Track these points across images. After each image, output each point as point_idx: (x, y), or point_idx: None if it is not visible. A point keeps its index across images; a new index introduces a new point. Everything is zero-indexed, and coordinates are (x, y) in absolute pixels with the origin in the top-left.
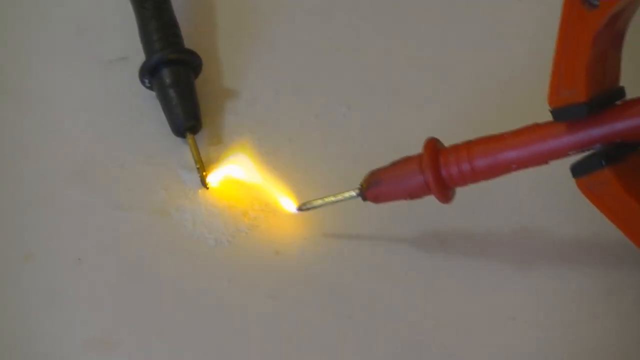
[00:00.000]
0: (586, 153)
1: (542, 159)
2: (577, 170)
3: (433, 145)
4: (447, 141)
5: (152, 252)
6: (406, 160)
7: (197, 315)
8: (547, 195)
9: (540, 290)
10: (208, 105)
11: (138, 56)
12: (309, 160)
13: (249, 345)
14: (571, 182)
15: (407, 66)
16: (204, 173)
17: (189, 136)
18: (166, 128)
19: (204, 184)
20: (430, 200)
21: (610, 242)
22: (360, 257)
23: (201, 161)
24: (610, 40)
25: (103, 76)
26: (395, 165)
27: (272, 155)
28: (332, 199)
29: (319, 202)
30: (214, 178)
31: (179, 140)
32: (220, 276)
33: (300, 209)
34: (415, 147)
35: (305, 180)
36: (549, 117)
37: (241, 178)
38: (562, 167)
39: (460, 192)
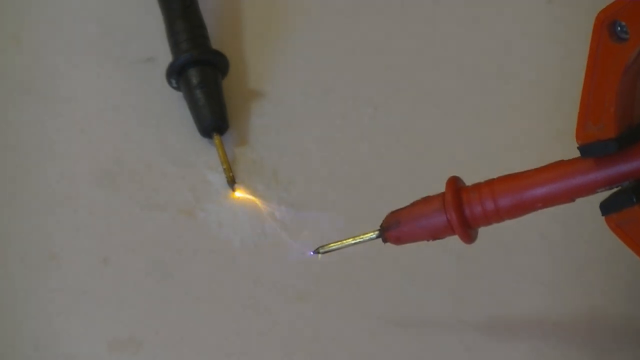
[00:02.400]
0: (614, 189)
1: (569, 196)
2: (607, 208)
3: (454, 184)
4: (471, 144)
5: (177, 253)
6: (427, 200)
7: (222, 316)
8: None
9: (568, 293)
10: (235, 106)
11: (165, 57)
12: (335, 162)
13: (275, 347)
14: None
15: (433, 67)
16: (230, 174)
17: (216, 137)
18: (193, 129)
19: (230, 184)
20: None
21: None
22: (387, 259)
23: (227, 162)
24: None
25: (130, 77)
26: (416, 205)
27: (299, 157)
28: (351, 241)
29: (337, 245)
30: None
31: (205, 140)
32: (246, 277)
33: (317, 252)
34: (440, 150)
35: (332, 181)
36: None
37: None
38: None
39: None
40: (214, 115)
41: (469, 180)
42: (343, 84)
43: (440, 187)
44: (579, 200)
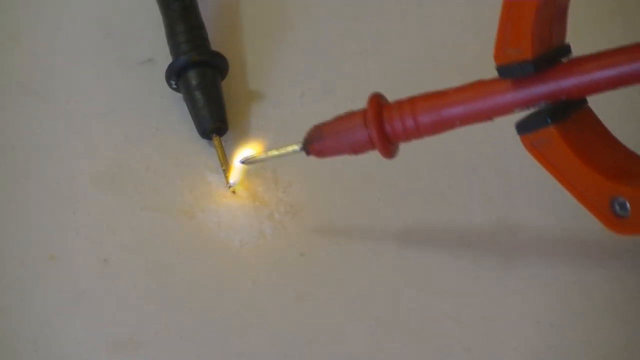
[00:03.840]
0: (531, 110)
1: (486, 115)
2: (522, 128)
3: (377, 100)
4: (472, 145)
5: (177, 253)
6: (350, 115)
7: (222, 316)
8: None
9: (566, 294)
10: (234, 107)
11: (165, 58)
12: (335, 163)
13: (274, 347)
14: None
15: (432, 69)
16: (230, 175)
17: (215, 138)
18: (192, 130)
19: (229, 185)
20: (458, 201)
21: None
22: (385, 259)
23: (227, 163)
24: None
25: (129, 78)
26: (338, 119)
27: (298, 158)
28: (275, 152)
29: (262, 155)
30: (235, 178)
31: (205, 142)
32: (245, 277)
33: (243, 162)
34: (440, 152)
35: (331, 182)
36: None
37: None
38: None
39: (489, 197)
40: (214, 117)
41: None
42: (342, 85)
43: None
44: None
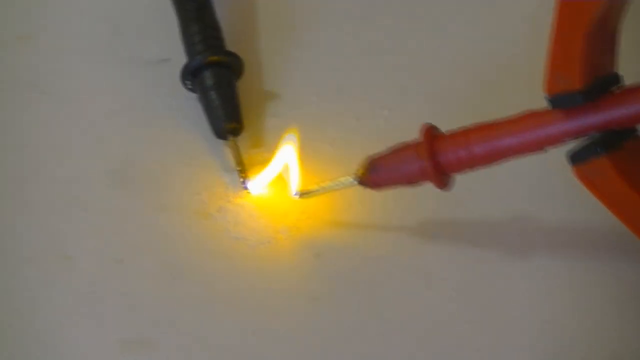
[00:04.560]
0: (583, 140)
1: (539, 145)
2: (574, 158)
3: (430, 132)
4: None
5: (192, 254)
6: (404, 147)
7: (237, 317)
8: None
9: (577, 294)
10: (249, 107)
11: (180, 58)
12: (350, 163)
13: (288, 348)
14: None
15: (449, 70)
16: (245, 175)
17: (230, 138)
18: (207, 130)
19: (244, 186)
20: (470, 206)
21: None
22: (400, 260)
23: (242, 163)
24: (607, 28)
25: (145, 77)
26: (392, 151)
27: (313, 159)
28: (330, 185)
29: (317, 188)
30: (255, 180)
31: (220, 142)
32: (261, 278)
33: (299, 195)
34: None
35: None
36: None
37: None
38: None
39: (504, 199)
40: (229, 117)
41: None
42: (358, 86)
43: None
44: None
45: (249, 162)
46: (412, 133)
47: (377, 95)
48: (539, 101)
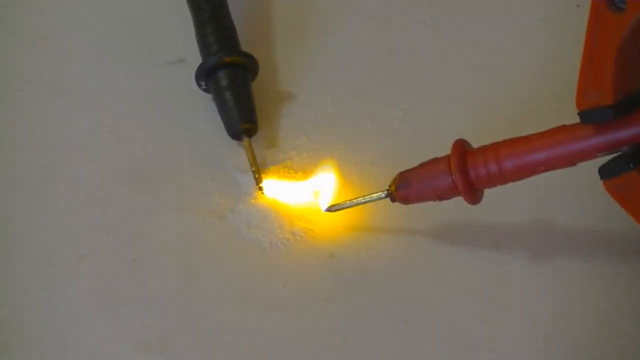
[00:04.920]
0: (614, 155)
1: (569, 160)
2: (605, 173)
3: (461, 147)
4: None
5: (206, 255)
6: (434, 162)
7: (251, 318)
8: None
9: (594, 295)
10: (264, 108)
11: (195, 58)
12: (365, 164)
13: (303, 349)
14: None
15: (463, 71)
16: (259, 176)
17: (245, 139)
18: (222, 131)
19: (259, 187)
20: (488, 202)
21: None
22: (415, 262)
23: (257, 164)
24: (637, 44)
25: (160, 78)
26: (423, 166)
27: (328, 159)
28: (361, 199)
29: (348, 203)
30: (269, 182)
31: (234, 143)
32: (275, 279)
33: (329, 209)
34: None
35: (360, 184)
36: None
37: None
38: None
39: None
40: (243, 118)
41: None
42: (373, 86)
43: None
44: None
45: (263, 162)
46: (426, 134)
47: (392, 96)
48: (553, 98)
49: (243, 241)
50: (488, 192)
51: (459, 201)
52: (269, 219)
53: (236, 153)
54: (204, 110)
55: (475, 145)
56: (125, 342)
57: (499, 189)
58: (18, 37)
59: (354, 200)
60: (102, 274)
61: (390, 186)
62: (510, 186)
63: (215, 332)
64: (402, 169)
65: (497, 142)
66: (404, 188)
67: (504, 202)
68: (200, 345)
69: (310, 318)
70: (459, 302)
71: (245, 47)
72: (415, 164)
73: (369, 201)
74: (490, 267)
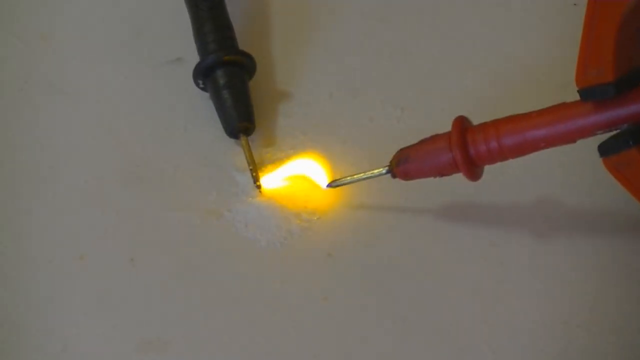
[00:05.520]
0: (613, 132)
1: (569, 137)
2: (604, 150)
3: (461, 123)
4: None
5: (204, 253)
6: (434, 138)
7: (249, 316)
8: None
9: (594, 295)
10: (262, 107)
11: (192, 57)
12: (362, 163)
13: (301, 347)
14: None
15: (461, 70)
16: (257, 174)
17: (242, 138)
18: (220, 129)
19: (256, 185)
20: (487, 201)
21: None
22: (414, 261)
23: (254, 163)
24: (637, 22)
25: (157, 77)
26: (423, 143)
27: (326, 158)
28: (362, 175)
29: (349, 179)
30: (267, 180)
31: (232, 141)
32: (272, 278)
33: (330, 185)
34: None
35: (358, 183)
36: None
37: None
38: None
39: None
40: (241, 117)
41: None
42: (370, 86)
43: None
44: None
45: (260, 161)
46: (425, 133)
47: (390, 95)
48: (551, 97)
49: (241, 240)
50: (487, 192)
51: (456, 199)
52: (267, 218)
53: (234, 152)
54: (201, 109)
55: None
56: (124, 341)
57: (498, 182)
58: (18, 37)
59: (355, 177)
60: (101, 273)
61: (390, 162)
62: (510, 186)
63: (214, 330)
64: None
65: (497, 119)
66: (405, 164)
67: (504, 202)
68: (198, 344)
69: (308, 316)
70: (458, 300)
71: (242, 45)
72: None
73: (370, 177)
74: (488, 266)
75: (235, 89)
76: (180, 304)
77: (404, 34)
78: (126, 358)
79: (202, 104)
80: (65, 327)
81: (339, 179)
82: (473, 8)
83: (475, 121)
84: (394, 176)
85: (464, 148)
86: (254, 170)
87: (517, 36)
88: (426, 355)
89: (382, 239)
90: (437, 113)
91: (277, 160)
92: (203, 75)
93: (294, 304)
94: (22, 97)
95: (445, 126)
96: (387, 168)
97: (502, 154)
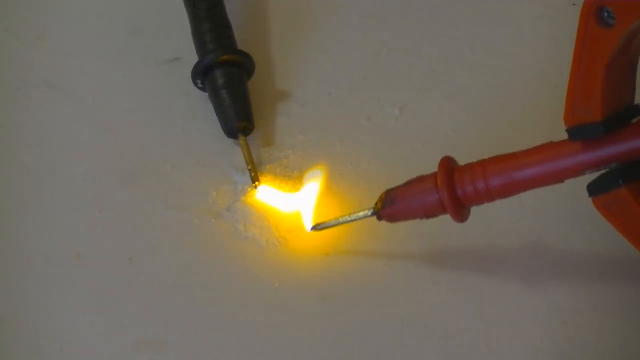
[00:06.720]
0: (602, 171)
1: (557, 177)
2: (594, 189)
3: (447, 164)
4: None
5: (202, 253)
6: (421, 179)
7: (247, 316)
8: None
9: (592, 295)
10: (260, 106)
11: (191, 57)
12: (361, 163)
13: (299, 347)
14: None
15: (460, 69)
16: (255, 174)
17: (241, 137)
18: (218, 129)
19: (255, 185)
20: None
21: None
22: (411, 260)
23: (253, 162)
24: (626, 59)
25: (156, 76)
26: (410, 184)
27: (324, 157)
28: (347, 218)
29: (334, 221)
30: (263, 191)
31: (230, 141)
32: (271, 277)
33: (314, 228)
34: (466, 151)
35: (357, 182)
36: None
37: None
38: None
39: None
40: (240, 116)
41: None
42: (369, 85)
43: None
44: None
45: (259, 160)
46: (423, 133)
47: (388, 94)
48: (550, 96)
49: (239, 239)
50: None
51: None
52: (266, 217)
53: (232, 151)
54: (200, 109)
55: (468, 145)
56: (121, 341)
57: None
58: (15, 36)
59: (340, 219)
60: (99, 272)
61: (376, 204)
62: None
63: (212, 330)
64: (399, 168)
65: (484, 159)
66: (391, 206)
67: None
68: (196, 343)
69: (306, 316)
70: (456, 301)
71: (241, 45)
72: (412, 162)
73: (355, 219)
74: (487, 266)
75: (234, 88)
76: (178, 303)
77: (402, 34)
78: (124, 357)
79: (200, 104)
80: (63, 327)
81: (324, 222)
82: (471, 8)
83: (473, 119)
84: (379, 218)
85: (451, 188)
86: (253, 169)
87: (514, 35)
88: (423, 354)
89: (379, 238)
90: (435, 113)
91: (276, 160)
92: (202, 74)
93: (292, 304)
94: (19, 96)
95: (443, 125)
96: (372, 210)
97: (489, 195)
